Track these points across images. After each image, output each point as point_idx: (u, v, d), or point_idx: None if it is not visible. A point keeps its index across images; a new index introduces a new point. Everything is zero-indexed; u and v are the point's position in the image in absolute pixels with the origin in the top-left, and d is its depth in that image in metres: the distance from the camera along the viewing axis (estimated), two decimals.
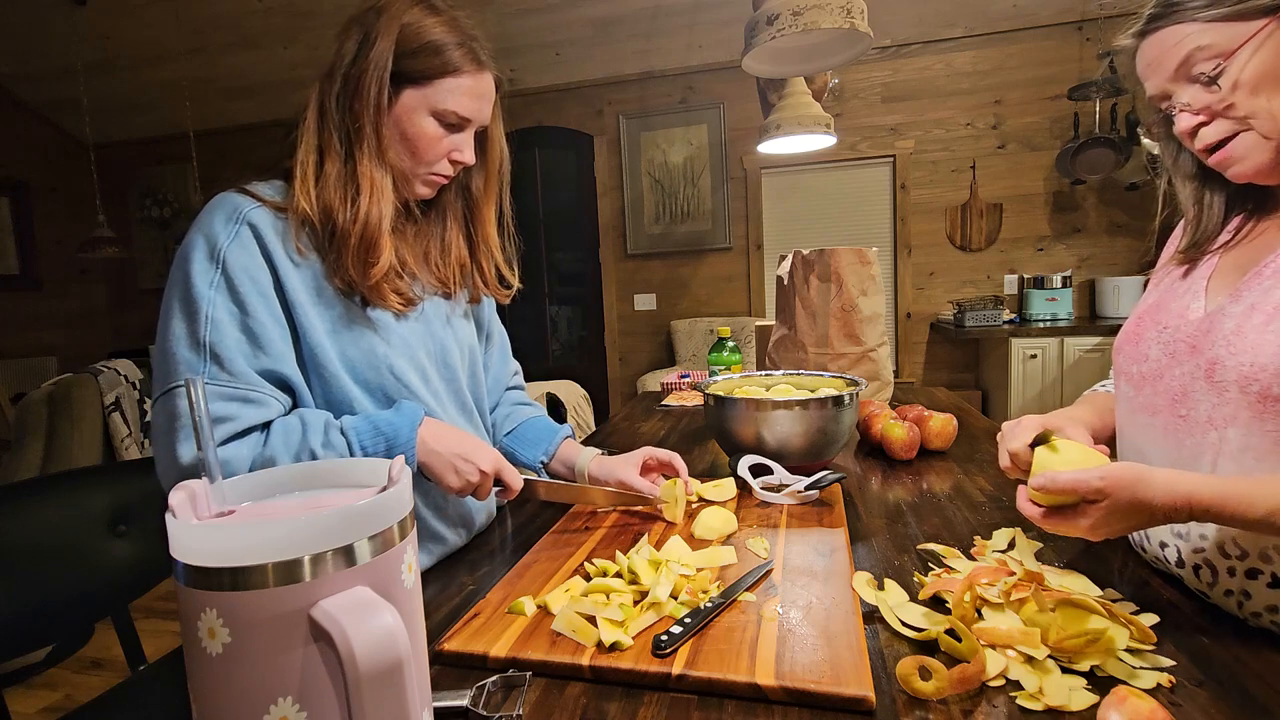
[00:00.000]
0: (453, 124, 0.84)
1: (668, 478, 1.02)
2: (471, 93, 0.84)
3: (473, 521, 0.97)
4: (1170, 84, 0.67)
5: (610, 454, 1.05)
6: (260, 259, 0.77)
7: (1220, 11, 0.62)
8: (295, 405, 0.81)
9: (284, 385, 0.79)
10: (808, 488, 0.98)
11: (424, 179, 0.87)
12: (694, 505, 0.99)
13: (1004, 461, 0.75)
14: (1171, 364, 0.71)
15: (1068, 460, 0.66)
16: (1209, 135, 0.66)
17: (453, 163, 0.87)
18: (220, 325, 0.73)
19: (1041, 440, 0.69)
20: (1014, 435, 0.73)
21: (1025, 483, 0.69)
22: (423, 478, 0.84)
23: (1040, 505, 0.67)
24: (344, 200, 0.80)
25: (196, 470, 0.71)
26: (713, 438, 1.44)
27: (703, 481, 1.06)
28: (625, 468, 1.00)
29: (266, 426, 0.77)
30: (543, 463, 1.06)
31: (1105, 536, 0.64)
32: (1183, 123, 0.67)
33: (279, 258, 0.78)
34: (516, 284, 1.03)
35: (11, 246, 4.77)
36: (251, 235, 0.77)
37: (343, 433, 0.78)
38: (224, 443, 0.72)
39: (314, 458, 0.75)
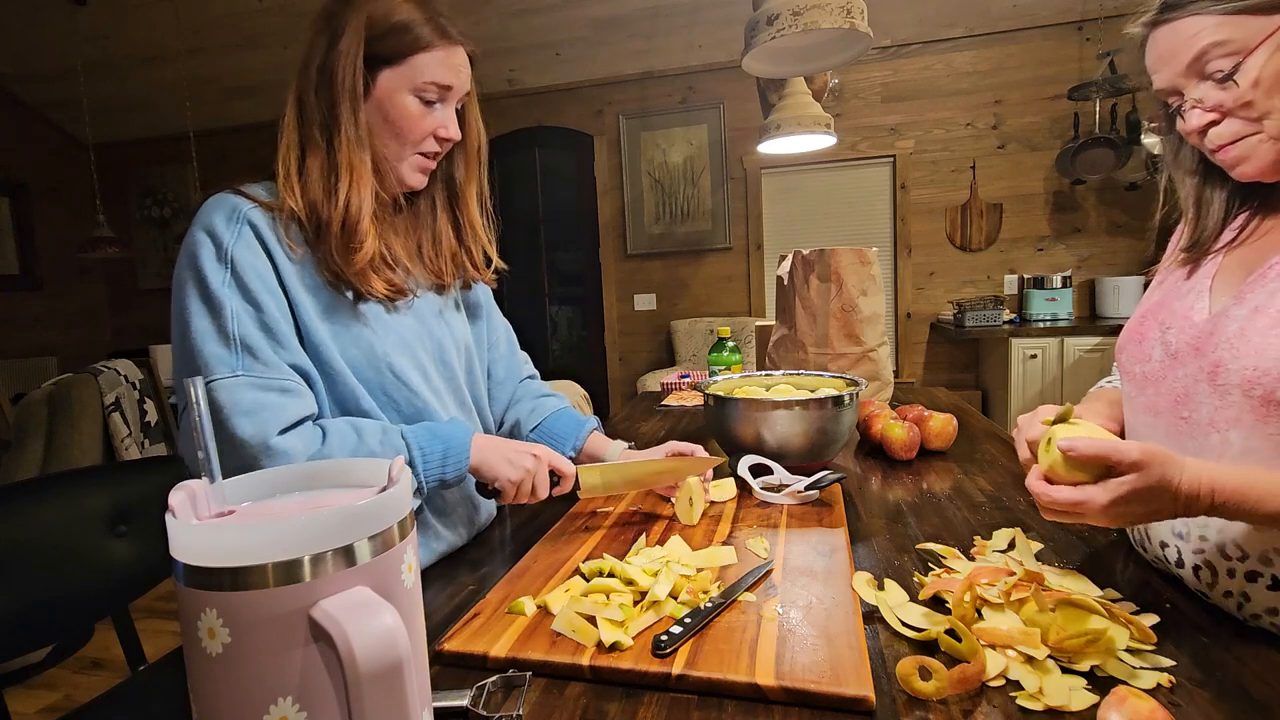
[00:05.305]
0: (433, 99, 0.85)
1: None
2: (446, 63, 0.84)
3: (473, 521, 0.97)
4: (1182, 79, 0.65)
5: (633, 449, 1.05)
6: (264, 257, 0.77)
7: (1238, 4, 0.60)
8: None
9: (305, 378, 0.79)
10: (808, 488, 0.98)
11: (413, 163, 0.87)
12: (709, 507, 0.99)
13: (1023, 453, 0.72)
14: (1174, 365, 0.70)
15: (1090, 434, 0.63)
16: (1221, 135, 0.65)
17: (439, 140, 0.87)
18: (243, 320, 0.74)
19: (1060, 419, 0.66)
20: (1030, 425, 0.71)
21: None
22: (479, 489, 0.90)
23: (1054, 481, 0.63)
24: (327, 192, 0.80)
25: (259, 452, 0.71)
26: (713, 438, 1.44)
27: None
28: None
29: (315, 420, 0.78)
30: (571, 457, 1.06)
31: (1115, 523, 0.61)
32: (1193, 120, 0.66)
33: (278, 256, 0.78)
34: (499, 263, 1.03)
35: (11, 246, 4.77)
36: (253, 234, 0.77)
37: (401, 436, 0.80)
38: (281, 432, 0.73)
39: (373, 456, 0.77)
